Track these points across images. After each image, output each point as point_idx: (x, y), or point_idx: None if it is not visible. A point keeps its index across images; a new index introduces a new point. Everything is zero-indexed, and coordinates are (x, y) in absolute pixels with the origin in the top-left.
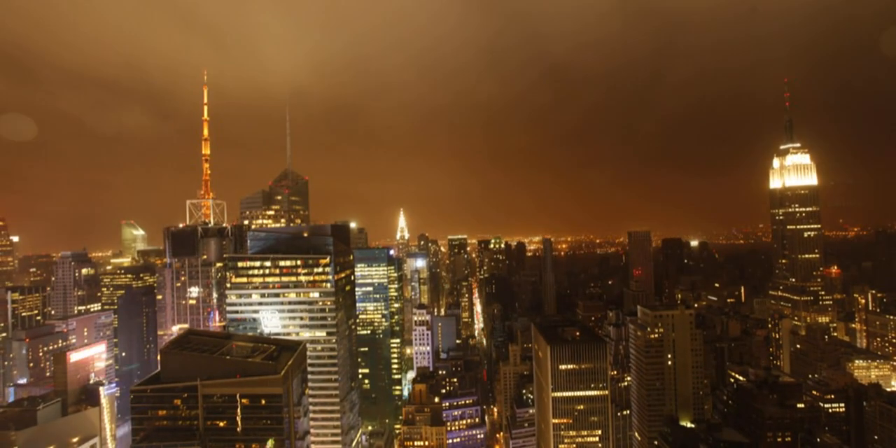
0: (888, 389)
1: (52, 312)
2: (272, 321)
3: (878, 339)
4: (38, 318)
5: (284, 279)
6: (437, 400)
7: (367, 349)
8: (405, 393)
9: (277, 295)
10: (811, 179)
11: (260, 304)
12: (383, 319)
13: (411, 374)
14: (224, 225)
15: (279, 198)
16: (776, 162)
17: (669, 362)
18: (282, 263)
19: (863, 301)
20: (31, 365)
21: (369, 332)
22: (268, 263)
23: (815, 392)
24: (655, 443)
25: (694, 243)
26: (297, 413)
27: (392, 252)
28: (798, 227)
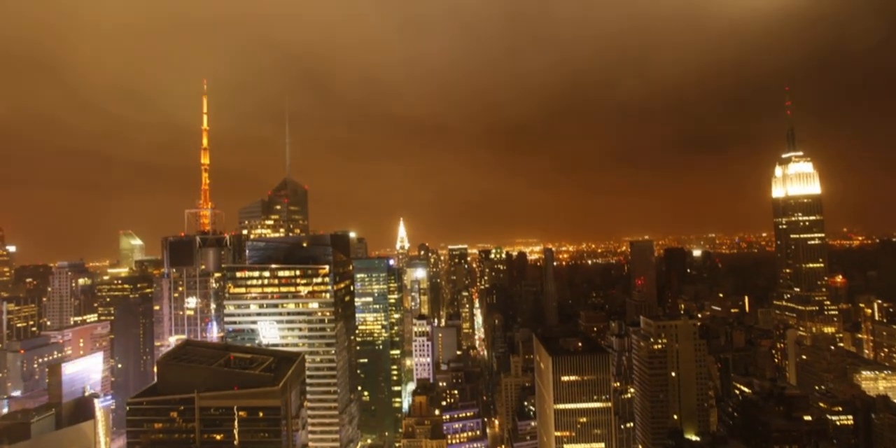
0: None
1: (48, 323)
2: (271, 332)
3: (885, 350)
4: (34, 329)
5: (283, 289)
6: (437, 412)
7: (366, 360)
8: (405, 405)
9: (276, 305)
10: (814, 188)
11: (258, 314)
12: (383, 330)
13: (411, 386)
14: (223, 234)
15: (278, 207)
16: (778, 170)
17: (673, 373)
18: (280, 273)
19: (869, 311)
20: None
21: (369, 343)
22: (266, 273)
23: (821, 404)
24: None
25: (696, 253)
26: (295, 426)
27: (392, 262)
28: (802, 235)
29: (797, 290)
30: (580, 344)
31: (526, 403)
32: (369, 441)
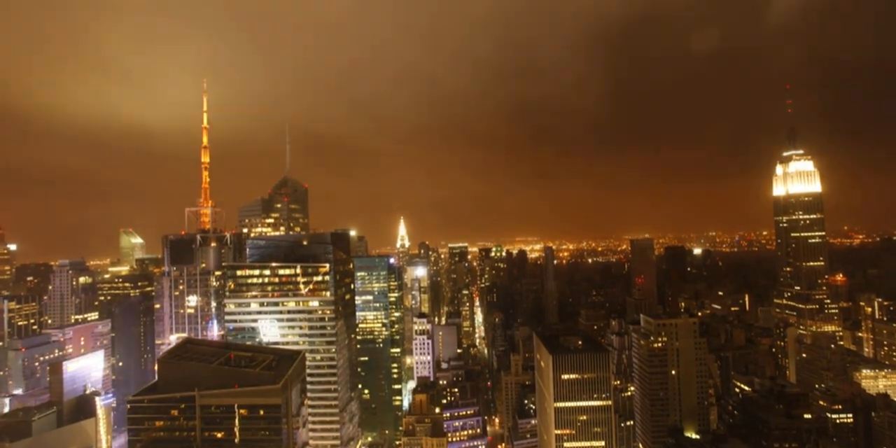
0: None
1: (49, 321)
2: (271, 330)
3: (886, 348)
4: (35, 327)
5: (284, 288)
6: (437, 410)
7: (366, 359)
8: (405, 403)
9: (276, 304)
10: (815, 186)
11: (259, 312)
12: (383, 328)
13: (411, 384)
14: (223, 233)
15: (278, 205)
16: (779, 169)
17: (673, 372)
18: (281, 272)
19: (869, 309)
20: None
21: (369, 341)
22: (267, 272)
23: (821, 402)
24: None
25: (697, 251)
26: (295, 424)
27: (392, 260)
28: (802, 234)
29: (797, 288)
30: (580, 342)
31: (526, 401)
32: (370, 439)
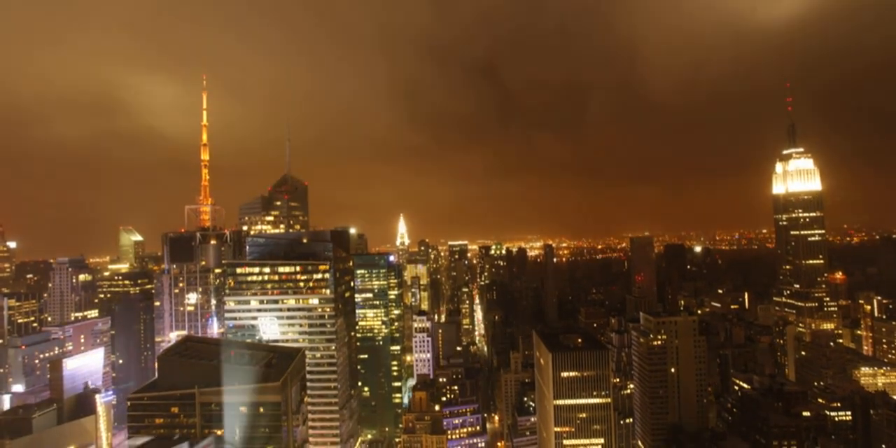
0: (895, 397)
1: (49, 319)
2: (271, 328)
3: (884, 346)
4: (35, 324)
5: (283, 285)
6: (437, 408)
7: (366, 356)
8: (405, 401)
9: (276, 301)
10: (815, 184)
11: (259, 310)
12: (383, 326)
13: (411, 382)
14: (223, 230)
15: (278, 203)
16: (779, 167)
17: (673, 369)
18: (281, 269)
19: (868, 307)
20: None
21: (369, 338)
22: (267, 269)
23: (820, 400)
24: None
25: (696, 249)
26: (295, 421)
27: (392, 258)
28: (802, 232)
29: (797, 286)
30: (580, 340)
31: (526, 399)
32: (369, 436)
